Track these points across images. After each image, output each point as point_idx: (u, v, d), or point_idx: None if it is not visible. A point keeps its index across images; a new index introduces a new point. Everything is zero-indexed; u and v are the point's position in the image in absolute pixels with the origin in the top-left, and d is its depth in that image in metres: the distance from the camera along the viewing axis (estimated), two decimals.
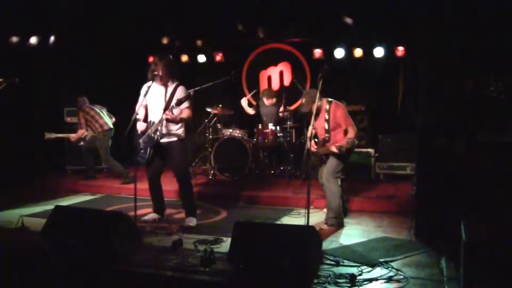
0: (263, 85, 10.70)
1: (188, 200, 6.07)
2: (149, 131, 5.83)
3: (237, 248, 4.36)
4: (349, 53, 9.55)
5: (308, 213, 5.19)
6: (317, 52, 9.83)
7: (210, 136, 9.24)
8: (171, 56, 6.04)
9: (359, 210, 6.79)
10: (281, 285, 4.08)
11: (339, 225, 5.93)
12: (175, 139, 5.88)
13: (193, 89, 7.88)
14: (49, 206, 6.38)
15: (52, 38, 9.74)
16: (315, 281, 4.10)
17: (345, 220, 6.14)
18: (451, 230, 4.24)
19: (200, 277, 4.23)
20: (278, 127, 8.97)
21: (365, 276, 4.24)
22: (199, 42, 10.49)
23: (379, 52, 9.31)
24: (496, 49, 4.85)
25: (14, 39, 9.42)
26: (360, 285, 4.05)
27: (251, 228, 4.75)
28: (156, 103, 5.86)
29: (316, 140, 6.10)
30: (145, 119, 5.97)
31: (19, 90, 7.01)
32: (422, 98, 5.45)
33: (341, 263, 4.54)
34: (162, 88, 5.84)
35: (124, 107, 8.06)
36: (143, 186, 6.71)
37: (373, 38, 9.30)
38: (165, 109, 5.72)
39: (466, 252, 3.62)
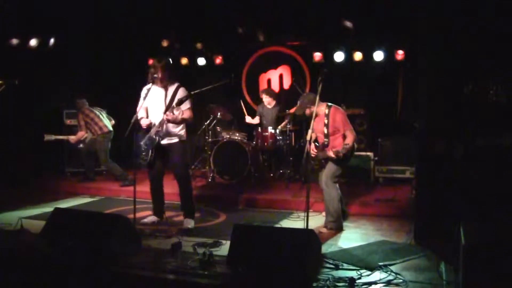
0: (263, 88, 10.68)
1: (187, 201, 6.08)
2: (150, 133, 5.84)
3: (236, 251, 4.37)
4: (349, 56, 9.55)
5: (308, 216, 5.18)
6: (317, 56, 9.83)
7: (210, 139, 9.24)
8: (170, 59, 6.02)
9: (359, 214, 6.79)
10: None
11: (338, 229, 5.93)
12: (176, 140, 5.90)
13: (192, 92, 7.88)
14: (48, 208, 6.38)
15: (52, 40, 9.74)
16: (314, 284, 4.10)
17: (344, 223, 6.14)
18: (450, 234, 4.24)
19: (199, 280, 4.23)
20: (277, 130, 8.97)
21: (364, 279, 4.24)
22: (199, 45, 10.49)
23: (378, 55, 9.32)
24: (496, 53, 4.85)
25: (14, 41, 9.42)
26: None
27: (250, 231, 4.75)
28: (156, 105, 5.87)
29: (316, 144, 6.11)
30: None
31: (19, 92, 7.03)
32: (421, 101, 5.44)
33: (340, 267, 4.54)
34: (162, 90, 5.85)
35: (123, 109, 8.07)
36: (142, 188, 6.71)
37: (373, 42, 9.30)
38: (165, 111, 5.73)
39: (465, 256, 3.62)
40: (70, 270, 4.53)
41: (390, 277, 4.27)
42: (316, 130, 6.02)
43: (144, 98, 5.81)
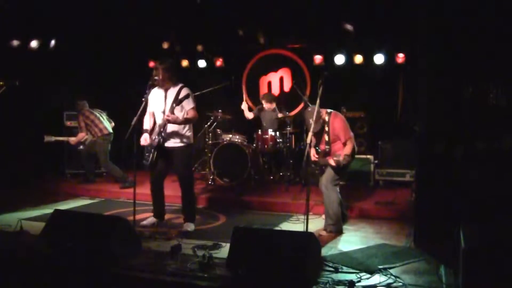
0: (263, 90, 10.70)
1: (188, 205, 6.07)
2: (153, 134, 5.85)
3: (236, 254, 4.36)
4: (350, 59, 9.55)
5: (307, 219, 5.19)
6: (318, 58, 9.83)
7: (210, 141, 9.24)
8: (172, 61, 6.03)
9: (358, 217, 6.79)
10: None
11: (338, 232, 5.93)
12: (182, 144, 5.88)
13: (193, 94, 7.89)
14: (48, 210, 6.38)
15: (52, 42, 9.75)
16: (314, 287, 4.09)
17: (344, 226, 6.14)
18: (450, 237, 4.24)
19: (198, 282, 4.22)
20: (277, 133, 8.97)
21: (364, 283, 4.24)
22: (199, 47, 10.49)
23: (379, 58, 9.32)
24: (496, 55, 4.85)
25: (15, 42, 9.44)
26: None
27: (250, 233, 4.75)
28: (158, 107, 5.88)
29: (317, 148, 6.10)
30: (154, 127, 5.99)
31: (20, 93, 7.03)
32: (421, 104, 5.44)
33: (340, 270, 4.54)
34: (162, 92, 5.86)
35: (124, 111, 8.08)
36: (142, 190, 6.71)
37: (374, 45, 9.31)
38: (165, 114, 5.73)
39: (465, 259, 3.62)
40: (69, 271, 4.53)
41: (390, 280, 4.27)
42: (317, 137, 6.02)
43: (147, 103, 5.81)
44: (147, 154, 5.87)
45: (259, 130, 9.12)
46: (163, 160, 5.95)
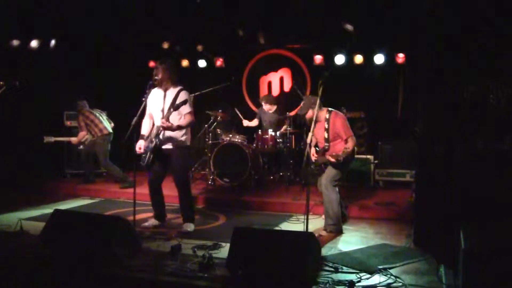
0: (263, 90, 10.72)
1: (186, 206, 6.06)
2: (151, 135, 5.84)
3: (236, 254, 4.36)
4: (350, 59, 9.55)
5: (307, 219, 5.19)
6: (318, 59, 9.83)
7: (210, 141, 9.24)
8: (172, 61, 6.03)
9: (358, 217, 6.79)
10: None
11: (338, 232, 5.93)
12: (178, 146, 5.87)
13: (193, 94, 7.89)
14: (48, 210, 6.37)
15: (52, 42, 9.76)
16: (314, 287, 4.09)
17: (344, 226, 6.14)
18: (450, 238, 4.24)
19: (198, 282, 4.22)
20: (277, 133, 8.98)
21: (364, 283, 4.24)
22: (199, 47, 10.50)
23: (379, 58, 9.32)
24: (496, 57, 4.85)
25: (15, 42, 9.44)
26: None
27: (250, 234, 4.74)
28: (156, 107, 5.87)
29: (317, 148, 6.11)
30: (152, 129, 5.98)
31: (20, 93, 7.02)
32: (421, 105, 5.44)
33: (340, 270, 4.54)
34: (162, 92, 5.85)
35: (124, 111, 8.06)
36: (142, 190, 6.71)
37: (374, 45, 9.31)
38: (163, 115, 5.73)
39: (464, 260, 3.62)
40: (69, 272, 4.53)
41: (390, 281, 4.27)
42: (317, 135, 6.03)
43: (146, 104, 5.81)
44: (143, 155, 5.87)
45: (259, 130, 9.13)
46: (160, 162, 5.94)
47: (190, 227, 5.96)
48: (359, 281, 4.25)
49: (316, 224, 6.31)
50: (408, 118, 8.86)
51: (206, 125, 9.27)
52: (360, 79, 9.58)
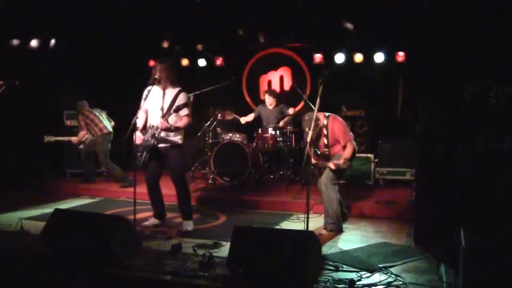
0: (263, 89, 10.69)
1: (184, 204, 6.07)
2: (147, 135, 5.84)
3: (236, 253, 4.36)
4: (350, 58, 9.54)
5: (308, 218, 5.18)
6: (318, 57, 9.83)
7: (210, 140, 9.23)
8: (172, 60, 6.03)
9: (359, 216, 6.79)
10: None
11: (338, 230, 5.93)
12: (173, 144, 5.88)
13: (193, 93, 7.90)
14: (48, 209, 6.38)
15: (52, 41, 9.75)
16: (314, 286, 4.10)
17: (345, 225, 6.14)
18: (451, 236, 4.24)
19: (199, 281, 4.22)
20: (278, 132, 8.98)
21: (364, 281, 4.24)
22: (199, 46, 10.49)
23: (379, 57, 9.31)
24: (496, 57, 4.85)
25: (15, 42, 9.43)
26: None
27: (250, 232, 4.75)
28: (154, 107, 5.88)
29: (317, 151, 6.10)
30: (145, 124, 5.98)
31: (19, 93, 7.02)
32: (421, 104, 5.44)
33: (340, 268, 4.54)
34: (160, 91, 5.85)
35: (124, 110, 8.07)
36: (142, 189, 6.70)
37: (374, 43, 9.31)
38: (162, 113, 5.73)
39: (465, 258, 3.62)
40: (69, 271, 4.53)
41: (390, 279, 4.27)
42: (316, 140, 6.02)
43: (145, 99, 5.82)
44: (139, 154, 5.87)
45: (259, 129, 9.12)
46: (155, 161, 5.95)
47: (189, 226, 5.97)
48: (359, 280, 4.25)
49: (317, 223, 6.31)
50: (408, 117, 8.87)
51: (206, 124, 9.26)
52: (360, 78, 9.57)
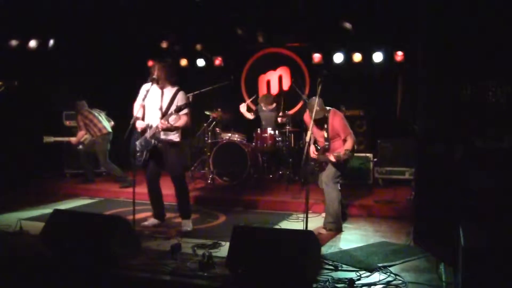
0: (262, 89, 10.71)
1: (183, 203, 6.08)
2: (147, 134, 5.84)
3: (236, 253, 4.36)
4: (348, 58, 9.55)
5: (307, 217, 5.19)
6: (316, 57, 9.83)
7: (209, 140, 9.24)
8: (170, 60, 6.03)
9: (358, 215, 6.80)
10: None
11: (338, 230, 5.94)
12: (172, 143, 5.90)
13: (192, 93, 7.89)
14: (48, 210, 6.38)
15: (51, 42, 9.75)
16: (314, 285, 4.10)
17: (344, 224, 6.14)
18: (450, 236, 4.24)
19: (198, 281, 4.23)
20: (277, 132, 8.98)
21: (363, 280, 4.25)
22: (198, 46, 10.49)
23: (378, 57, 9.32)
24: (495, 55, 4.84)
25: (14, 42, 9.42)
26: None
27: (250, 232, 4.75)
28: (153, 106, 5.88)
29: (317, 146, 6.11)
30: (142, 119, 5.98)
31: (18, 93, 7.02)
32: (420, 103, 5.44)
33: (339, 268, 4.55)
34: (159, 90, 5.86)
35: (123, 111, 8.06)
36: (142, 190, 6.70)
37: (372, 43, 9.31)
38: (161, 113, 5.73)
39: (464, 258, 3.62)
40: (69, 271, 4.53)
41: (390, 278, 4.27)
42: (316, 134, 6.03)
43: (143, 98, 5.83)
44: (138, 153, 5.88)
45: (258, 129, 9.12)
46: (154, 160, 5.96)
47: (188, 225, 5.97)
48: (359, 279, 4.26)
49: (316, 222, 6.31)
50: (407, 116, 8.86)
51: (205, 124, 9.26)
52: (359, 77, 9.58)
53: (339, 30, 8.98)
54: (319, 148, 6.09)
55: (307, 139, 5.51)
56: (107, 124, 8.92)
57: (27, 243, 5.31)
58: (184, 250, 5.00)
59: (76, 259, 4.62)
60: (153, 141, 5.80)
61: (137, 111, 5.86)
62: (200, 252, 4.82)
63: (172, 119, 5.71)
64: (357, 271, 4.46)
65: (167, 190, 6.46)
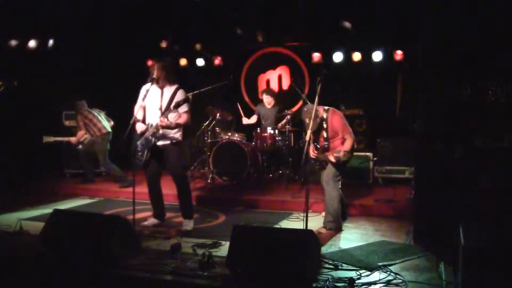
0: (262, 89, 10.69)
1: (185, 202, 6.07)
2: (147, 133, 5.84)
3: (236, 252, 4.36)
4: (348, 57, 9.56)
5: (307, 217, 5.19)
6: (316, 56, 9.84)
7: (209, 140, 9.24)
8: (170, 60, 6.03)
9: (358, 214, 6.80)
10: None
11: (338, 229, 5.94)
12: (172, 142, 5.89)
13: (191, 93, 7.88)
14: (48, 210, 6.37)
15: (51, 42, 9.74)
16: (314, 285, 4.10)
17: (344, 224, 6.15)
18: (450, 235, 4.24)
19: (198, 281, 4.23)
20: (276, 131, 8.98)
21: (363, 280, 4.25)
22: (198, 46, 10.49)
23: (377, 56, 9.33)
24: (495, 55, 4.84)
25: (13, 42, 9.42)
26: None
27: (250, 232, 4.75)
28: (153, 106, 5.88)
29: (317, 145, 6.11)
30: (143, 121, 5.98)
31: (18, 93, 7.02)
32: (420, 102, 5.44)
33: (339, 267, 4.55)
34: (158, 90, 5.86)
35: (122, 110, 8.07)
36: (142, 189, 6.71)
37: (372, 42, 9.31)
38: (161, 112, 5.73)
39: (464, 257, 3.62)
40: (69, 271, 4.53)
41: (390, 277, 4.28)
42: (316, 134, 6.03)
43: (143, 98, 5.83)
44: (139, 153, 5.87)
45: (258, 129, 9.12)
46: (155, 159, 5.96)
47: (189, 225, 5.97)
48: (359, 278, 4.26)
49: (316, 221, 6.31)
50: (406, 115, 8.87)
51: (205, 124, 9.26)
52: (359, 77, 9.59)
53: (339, 29, 8.99)
54: (318, 147, 6.09)
55: (307, 138, 5.51)
56: (106, 124, 8.92)
57: (27, 243, 5.31)
58: (184, 250, 5.00)
59: (76, 259, 4.62)
60: (153, 139, 5.79)
61: (137, 111, 5.87)
62: (200, 251, 4.82)
63: (171, 116, 5.70)
64: (357, 270, 4.46)
65: (168, 190, 6.46)
